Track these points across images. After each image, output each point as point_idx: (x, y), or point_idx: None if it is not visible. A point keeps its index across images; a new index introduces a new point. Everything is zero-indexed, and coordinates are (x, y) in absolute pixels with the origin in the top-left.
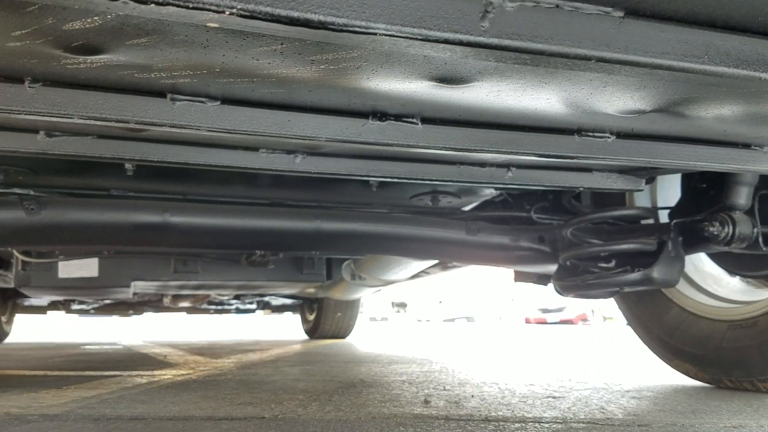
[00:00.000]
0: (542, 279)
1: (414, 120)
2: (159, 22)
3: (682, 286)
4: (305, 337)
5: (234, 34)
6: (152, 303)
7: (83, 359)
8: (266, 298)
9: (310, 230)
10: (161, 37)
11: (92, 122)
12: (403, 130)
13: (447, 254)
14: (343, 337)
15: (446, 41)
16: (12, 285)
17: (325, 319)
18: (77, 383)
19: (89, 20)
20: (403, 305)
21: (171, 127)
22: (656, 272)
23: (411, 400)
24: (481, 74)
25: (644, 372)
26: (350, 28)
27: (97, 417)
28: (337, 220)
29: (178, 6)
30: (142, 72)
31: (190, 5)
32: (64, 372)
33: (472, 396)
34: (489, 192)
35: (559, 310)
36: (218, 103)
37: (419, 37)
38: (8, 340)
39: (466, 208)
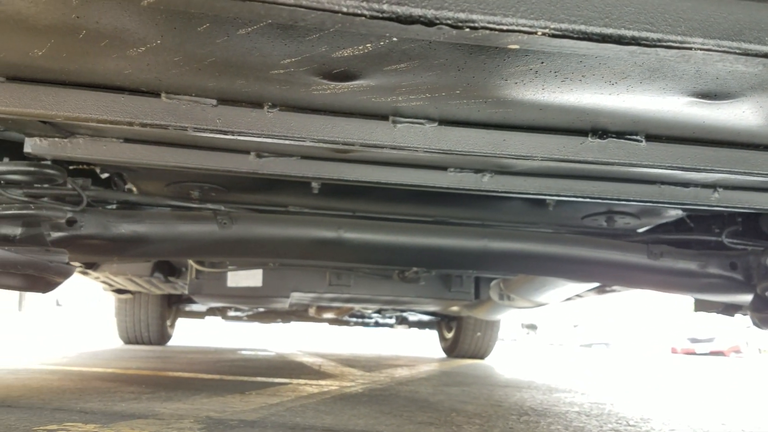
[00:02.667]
0: (729, 309)
1: (638, 137)
2: (428, 48)
3: None
4: (442, 354)
5: (496, 54)
6: (299, 313)
7: (247, 365)
8: (405, 314)
9: (477, 249)
10: (421, 62)
11: (317, 144)
12: (625, 149)
13: (624, 279)
14: (481, 357)
15: (765, 55)
16: (185, 292)
17: (464, 338)
18: (256, 389)
19: (361, 47)
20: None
21: (391, 148)
22: None
23: None
24: (752, 89)
25: None
26: (663, 44)
27: (291, 426)
28: (506, 239)
29: (491, 29)
30: (379, 96)
31: (504, 28)
32: (238, 377)
33: None
34: (674, 213)
35: (710, 340)
36: (436, 124)
37: (737, 51)
38: (171, 342)
39: (641, 230)
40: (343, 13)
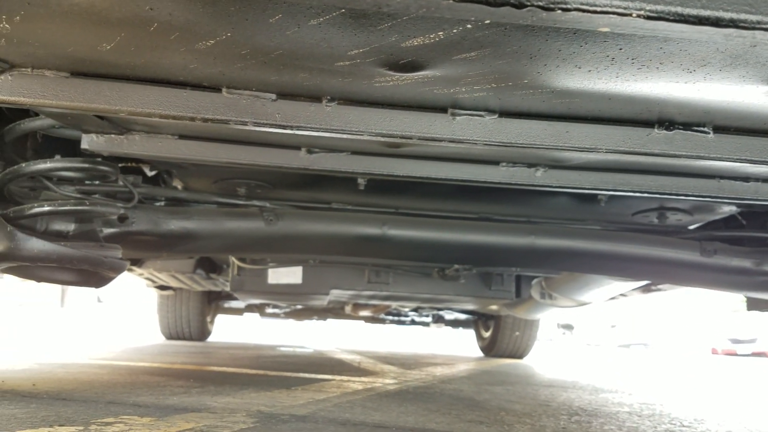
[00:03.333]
0: None
1: (705, 129)
2: (503, 34)
3: None
4: (478, 354)
5: (574, 40)
6: (335, 310)
7: (288, 361)
8: (441, 312)
9: (524, 246)
10: (493, 50)
11: (374, 138)
12: (692, 141)
13: (676, 277)
14: (520, 357)
15: None
16: (225, 289)
17: (503, 337)
18: (301, 385)
19: (433, 35)
20: (569, 327)
21: (450, 141)
22: None
23: None
24: None
25: None
26: (763, 26)
27: (342, 422)
28: (554, 236)
29: (584, 11)
30: (441, 87)
31: (598, 9)
32: (281, 372)
33: None
34: (727, 210)
35: (752, 341)
36: (496, 116)
37: None
38: (210, 338)
39: (692, 227)
40: None
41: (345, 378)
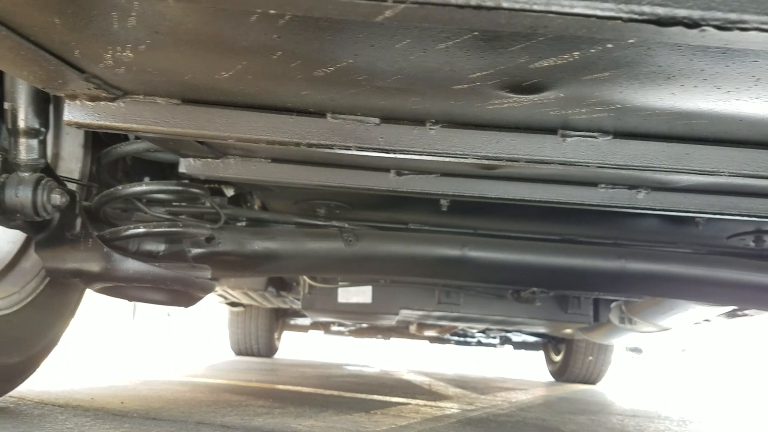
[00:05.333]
0: None
1: None
2: (645, 54)
3: None
4: (547, 378)
5: (721, 60)
6: (399, 329)
7: (358, 381)
8: (509, 334)
9: (613, 270)
10: (629, 69)
11: (479, 161)
12: None
13: None
14: (593, 383)
15: None
16: (293, 306)
17: (575, 361)
18: (379, 408)
19: (567, 56)
20: (638, 350)
21: (560, 164)
22: None
23: None
24: None
25: None
26: None
27: None
28: (646, 260)
29: (763, 30)
30: (558, 108)
31: None
32: (355, 394)
33: None
34: None
35: None
36: (610, 137)
37: None
38: (277, 355)
39: None
40: (597, 17)
41: (421, 402)
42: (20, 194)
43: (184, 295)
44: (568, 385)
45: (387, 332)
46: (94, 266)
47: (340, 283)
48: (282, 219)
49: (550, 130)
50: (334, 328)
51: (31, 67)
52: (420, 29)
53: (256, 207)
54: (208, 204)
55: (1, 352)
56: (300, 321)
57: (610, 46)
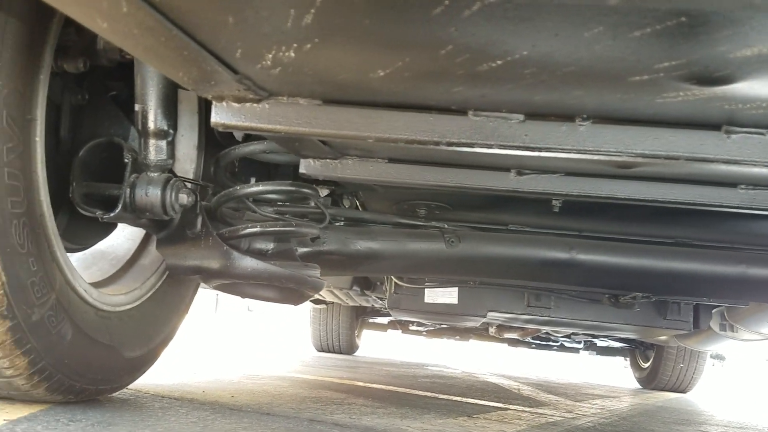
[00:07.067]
0: None
1: None
2: None
3: None
4: (632, 384)
5: None
6: (478, 331)
7: (445, 382)
8: (595, 339)
9: (733, 276)
10: None
11: (633, 159)
12: None
13: None
14: (683, 391)
15: None
16: (375, 305)
17: (665, 368)
18: (480, 413)
19: None
20: (721, 358)
21: (723, 162)
22: None
23: None
24: None
25: None
26: None
27: None
28: None
29: None
30: (728, 102)
31: None
32: (450, 396)
33: None
34: None
35: None
36: None
37: None
38: (357, 353)
39: None
40: None
41: (519, 408)
42: (150, 193)
43: (295, 293)
44: (658, 393)
45: (465, 333)
46: (215, 263)
47: (427, 284)
48: (381, 219)
49: (713, 126)
50: (413, 327)
51: (188, 68)
52: (622, 14)
53: (346, 206)
54: (312, 204)
55: (126, 345)
56: (379, 320)
57: None
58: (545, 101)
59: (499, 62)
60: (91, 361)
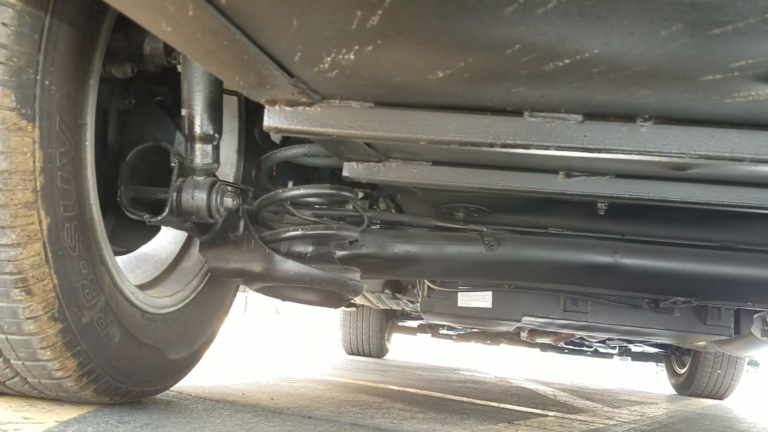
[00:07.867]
0: None
1: None
2: None
3: None
4: (667, 389)
5: None
6: (510, 335)
7: (480, 387)
8: (630, 344)
9: None
10: None
11: (696, 161)
12: None
13: None
14: (720, 397)
15: None
16: (407, 308)
17: (702, 374)
18: (520, 420)
19: None
20: (755, 364)
21: None
22: None
23: None
24: None
25: None
26: None
27: None
28: None
29: None
30: None
31: None
32: (487, 402)
33: None
34: None
35: None
36: None
37: None
38: (387, 356)
39: None
40: None
41: (558, 414)
42: (196, 197)
43: (335, 296)
44: (695, 400)
45: (496, 338)
46: (257, 266)
47: (460, 287)
48: (419, 222)
49: None
50: (443, 331)
51: (246, 72)
52: (703, 11)
53: (381, 209)
54: (350, 207)
55: (170, 347)
56: (408, 323)
57: None
58: (607, 101)
59: (567, 61)
60: (137, 363)
